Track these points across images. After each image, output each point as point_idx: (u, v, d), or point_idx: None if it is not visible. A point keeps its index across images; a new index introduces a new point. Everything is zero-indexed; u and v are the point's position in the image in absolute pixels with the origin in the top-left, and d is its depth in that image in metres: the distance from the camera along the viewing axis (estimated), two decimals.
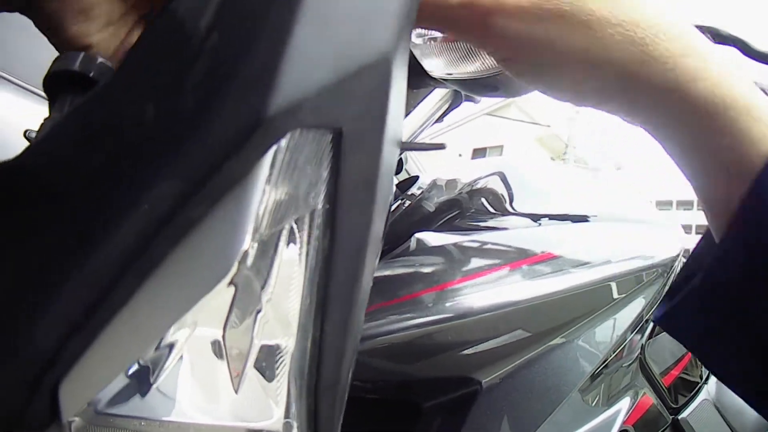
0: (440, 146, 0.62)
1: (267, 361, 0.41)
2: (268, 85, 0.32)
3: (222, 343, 0.39)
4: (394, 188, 1.32)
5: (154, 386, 0.37)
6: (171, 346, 0.37)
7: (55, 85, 0.46)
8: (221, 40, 0.34)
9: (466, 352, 0.98)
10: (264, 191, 0.34)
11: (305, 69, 0.33)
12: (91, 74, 0.46)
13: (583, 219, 1.29)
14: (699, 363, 1.71)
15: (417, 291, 0.98)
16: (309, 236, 0.39)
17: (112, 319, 0.32)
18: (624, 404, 1.28)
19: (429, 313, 0.94)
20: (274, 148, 0.33)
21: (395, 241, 1.12)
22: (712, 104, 0.49)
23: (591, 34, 0.50)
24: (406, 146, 0.54)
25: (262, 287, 0.38)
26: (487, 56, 0.67)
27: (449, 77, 0.72)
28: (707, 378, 1.79)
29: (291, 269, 0.39)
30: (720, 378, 0.59)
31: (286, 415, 0.42)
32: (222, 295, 0.37)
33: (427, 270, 1.03)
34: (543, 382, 1.08)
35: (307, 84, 0.34)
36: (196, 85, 0.33)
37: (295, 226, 0.38)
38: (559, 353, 1.10)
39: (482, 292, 0.98)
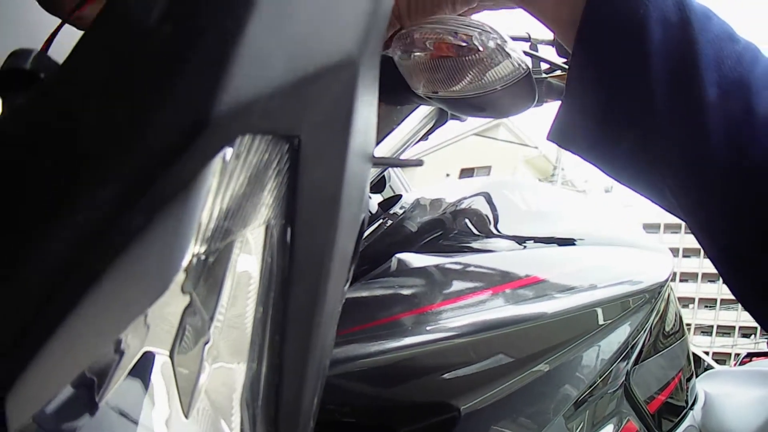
0: (418, 162, 0.60)
1: (220, 384, 0.37)
2: (215, 83, 0.29)
3: (171, 364, 0.35)
4: (377, 207, 1.30)
5: (103, 405, 0.34)
6: (118, 362, 0.34)
7: (7, 82, 0.44)
8: (170, 33, 0.31)
9: (445, 376, 0.95)
10: (209, 202, 0.30)
11: (258, 68, 0.30)
12: (42, 74, 0.43)
13: (569, 242, 1.27)
14: (685, 387, 1.69)
15: (396, 314, 0.95)
16: (265, 253, 0.35)
17: (55, 332, 0.29)
18: (608, 431, 1.25)
19: (408, 336, 0.91)
20: (221, 154, 0.30)
21: (375, 261, 1.09)
22: None
23: None
24: (379, 161, 0.52)
25: (213, 306, 0.35)
26: (476, 76, 0.67)
27: (435, 96, 0.70)
28: (693, 403, 1.77)
29: (246, 289, 0.36)
30: (616, 178, 0.69)
31: None
32: (169, 311, 0.33)
33: (407, 292, 0.99)
34: (525, 410, 1.05)
35: (260, 84, 0.30)
36: (140, 82, 0.30)
37: (251, 242, 0.35)
38: (542, 380, 1.07)
39: (463, 316, 0.95)
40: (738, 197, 0.58)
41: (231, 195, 0.32)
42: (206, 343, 0.35)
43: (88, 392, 0.34)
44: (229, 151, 0.30)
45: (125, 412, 0.35)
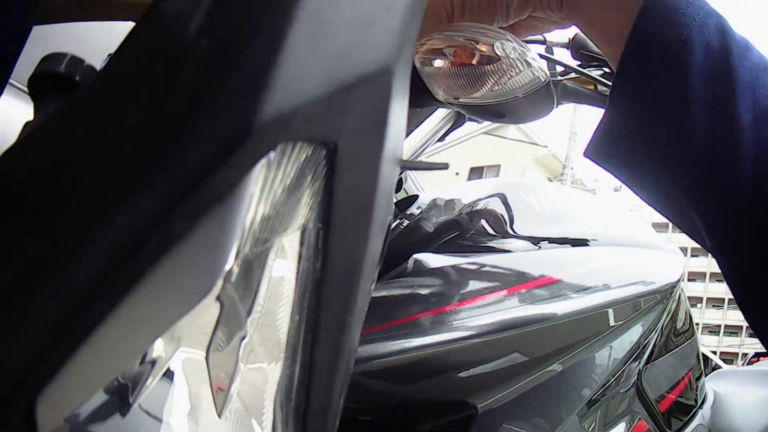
0: (443, 166, 0.61)
1: (252, 384, 0.38)
2: (258, 93, 0.29)
3: (205, 364, 0.36)
4: (393, 207, 1.30)
5: (135, 405, 0.35)
6: (152, 364, 0.35)
7: (40, 86, 0.44)
8: (211, 44, 0.31)
9: (461, 375, 0.96)
10: (251, 207, 0.31)
11: (299, 78, 0.31)
12: (77, 77, 0.43)
13: (582, 243, 1.27)
14: (694, 386, 1.69)
15: (414, 314, 0.95)
16: (300, 256, 0.36)
17: (90, 335, 0.29)
18: (619, 430, 1.26)
19: (426, 336, 0.92)
20: (263, 161, 0.30)
21: (393, 262, 1.10)
22: None
23: None
24: (407, 165, 0.53)
25: (249, 308, 0.36)
26: (497, 83, 0.67)
27: (455, 102, 0.71)
28: (702, 402, 1.77)
29: (280, 290, 0.37)
30: (646, 199, 0.71)
31: None
32: (206, 314, 0.34)
33: (424, 292, 1.00)
34: (540, 409, 1.06)
35: (301, 94, 0.31)
36: (182, 91, 0.31)
37: (286, 246, 0.36)
38: (556, 379, 1.07)
39: (480, 316, 0.96)
40: (761, 219, 0.59)
41: (272, 201, 0.33)
42: (242, 339, 0.36)
43: (121, 393, 0.35)
44: (271, 158, 0.31)
45: (156, 412, 0.36)
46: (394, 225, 1.21)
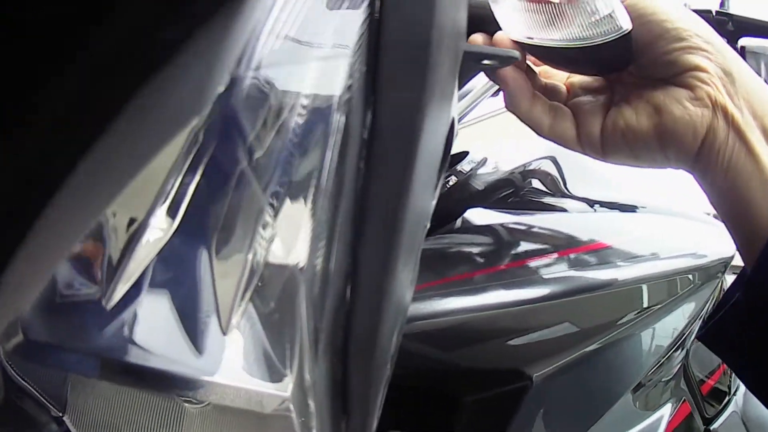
0: (515, 55, 0.54)
1: (273, 294, 0.28)
2: None
3: (209, 259, 0.26)
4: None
5: (112, 315, 0.27)
6: (128, 262, 0.25)
7: None
8: None
9: (512, 342, 0.88)
10: (263, 20, 0.22)
11: None
12: None
13: (631, 209, 1.22)
14: (729, 372, 1.62)
15: (463, 272, 0.88)
16: (340, 111, 0.26)
17: (63, 183, 0.20)
18: (666, 410, 1.20)
19: (474, 296, 0.84)
20: None
21: (441, 219, 1.03)
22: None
23: None
24: (472, 49, 0.47)
25: (268, 176, 0.26)
26: (576, 25, 0.58)
27: (528, 42, 0.63)
28: (736, 390, 1.70)
29: (313, 158, 0.26)
30: (756, 394, 0.62)
31: (299, 379, 0.29)
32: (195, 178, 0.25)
33: (474, 250, 0.93)
34: (594, 384, 0.99)
35: None
36: None
37: (319, 96, 0.26)
38: (613, 352, 1.01)
39: (529, 279, 0.89)
40: None
41: (293, 16, 0.23)
42: (262, 225, 0.26)
43: (93, 300, 0.27)
44: None
45: (142, 335, 0.28)
46: (442, 181, 1.14)
